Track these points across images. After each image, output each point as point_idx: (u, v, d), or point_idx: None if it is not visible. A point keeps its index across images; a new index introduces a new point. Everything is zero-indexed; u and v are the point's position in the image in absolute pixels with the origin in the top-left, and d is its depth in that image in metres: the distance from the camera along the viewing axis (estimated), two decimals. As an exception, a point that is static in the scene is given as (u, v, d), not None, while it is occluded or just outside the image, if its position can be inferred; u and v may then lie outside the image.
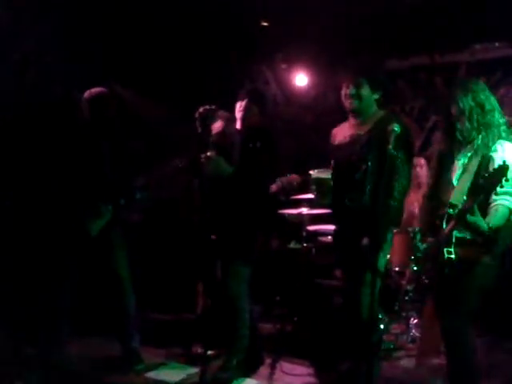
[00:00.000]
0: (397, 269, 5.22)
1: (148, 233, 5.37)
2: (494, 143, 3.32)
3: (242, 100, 4.39)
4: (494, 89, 6.03)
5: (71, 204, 4.39)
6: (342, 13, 5.67)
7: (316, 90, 7.05)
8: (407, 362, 4.65)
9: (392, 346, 4.88)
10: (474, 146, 3.36)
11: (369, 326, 3.74)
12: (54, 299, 4.47)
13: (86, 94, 4.48)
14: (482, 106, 3.36)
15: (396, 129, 3.46)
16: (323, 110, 6.82)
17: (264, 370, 4.44)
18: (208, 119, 4.30)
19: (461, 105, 3.37)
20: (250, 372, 4.36)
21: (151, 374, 4.39)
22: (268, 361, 4.54)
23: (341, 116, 4.17)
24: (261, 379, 4.32)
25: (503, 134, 3.35)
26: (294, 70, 7.03)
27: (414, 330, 5.05)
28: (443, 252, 3.26)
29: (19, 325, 4.69)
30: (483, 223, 3.18)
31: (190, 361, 4.60)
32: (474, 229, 3.21)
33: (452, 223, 3.24)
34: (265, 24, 6.25)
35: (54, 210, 4.51)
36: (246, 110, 4.37)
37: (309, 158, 6.11)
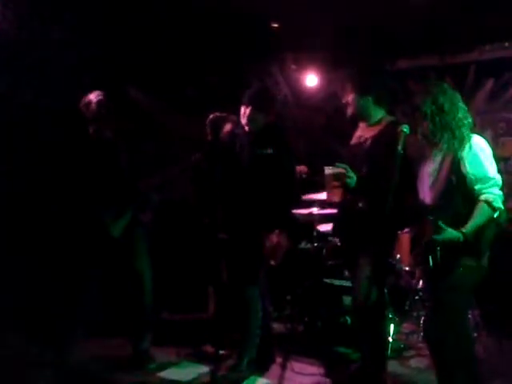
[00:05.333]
0: (407, 268, 5.25)
1: (159, 233, 5.40)
2: (461, 144, 3.37)
3: (246, 106, 4.24)
4: (503, 88, 6.13)
5: (92, 206, 4.38)
6: (353, 13, 5.68)
7: (326, 90, 7.07)
8: (417, 362, 4.65)
9: (402, 346, 4.89)
10: (442, 150, 3.43)
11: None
12: (74, 301, 4.50)
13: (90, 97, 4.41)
14: (441, 108, 3.41)
15: (405, 130, 3.54)
16: (333, 110, 6.83)
17: (275, 370, 4.47)
18: (218, 126, 4.31)
19: (422, 109, 3.44)
20: (260, 371, 4.38)
21: (163, 373, 4.43)
22: (279, 360, 4.56)
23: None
24: (272, 379, 4.34)
25: (465, 135, 3.39)
26: (304, 70, 7.05)
27: (424, 330, 5.07)
28: (428, 259, 3.32)
29: (35, 325, 4.74)
30: (455, 234, 3.23)
31: (202, 360, 4.62)
32: (448, 243, 3.25)
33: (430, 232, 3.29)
34: (275, 25, 6.28)
35: (75, 212, 4.53)
36: (250, 120, 4.23)
37: (319, 159, 6.12)
